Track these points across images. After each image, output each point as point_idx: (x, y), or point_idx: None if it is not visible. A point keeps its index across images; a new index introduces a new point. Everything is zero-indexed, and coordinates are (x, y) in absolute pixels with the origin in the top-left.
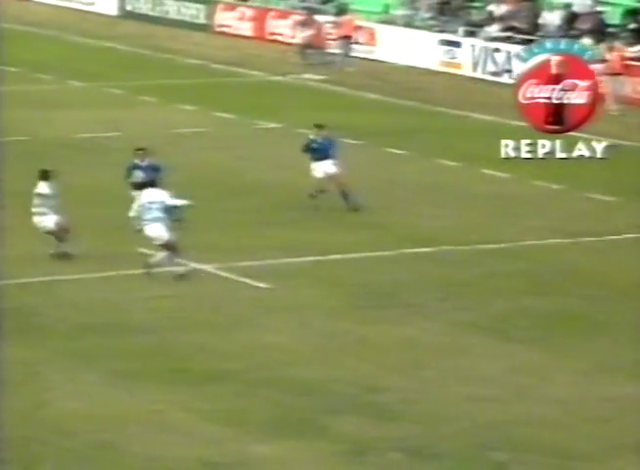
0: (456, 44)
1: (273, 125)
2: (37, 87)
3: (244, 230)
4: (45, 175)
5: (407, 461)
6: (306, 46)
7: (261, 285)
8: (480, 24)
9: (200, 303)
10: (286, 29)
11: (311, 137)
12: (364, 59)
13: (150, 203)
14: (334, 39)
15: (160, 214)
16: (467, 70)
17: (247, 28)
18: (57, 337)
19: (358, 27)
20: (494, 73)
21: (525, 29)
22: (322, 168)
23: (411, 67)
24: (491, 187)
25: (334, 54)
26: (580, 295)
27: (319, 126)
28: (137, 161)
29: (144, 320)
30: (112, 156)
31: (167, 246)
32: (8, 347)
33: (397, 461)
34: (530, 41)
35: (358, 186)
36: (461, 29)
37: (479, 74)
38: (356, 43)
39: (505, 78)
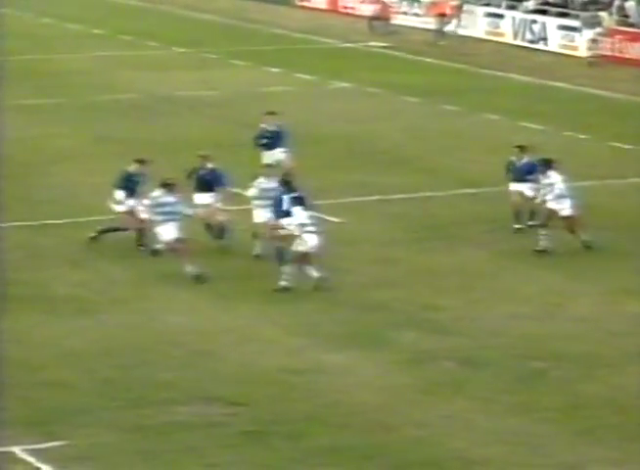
0: (499, 16)
1: (344, 85)
2: (146, 52)
3: (319, 173)
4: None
5: (458, 369)
6: (374, 18)
7: (334, 220)
8: None
9: None
10: (356, 3)
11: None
12: (422, 29)
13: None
14: (430, 16)
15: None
16: (509, 39)
17: (322, 2)
18: (162, 260)
19: (453, 6)
20: (531, 41)
21: (559, 3)
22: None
23: (462, 36)
24: (527, 137)
25: (397, 25)
26: (602, 227)
27: (271, 113)
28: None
29: (242, 245)
30: (209, 110)
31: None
32: (121, 269)
33: (450, 369)
34: (564, 14)
35: (417, 137)
36: (504, 3)
37: (518, 42)
38: (450, 21)
39: (541, 46)
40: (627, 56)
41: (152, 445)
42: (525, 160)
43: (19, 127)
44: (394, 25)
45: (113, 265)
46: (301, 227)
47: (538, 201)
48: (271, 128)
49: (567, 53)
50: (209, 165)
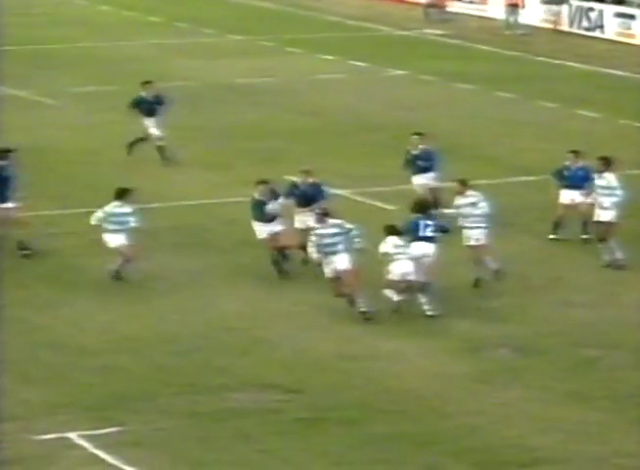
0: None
1: (399, 72)
2: (202, 40)
3: (372, 161)
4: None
5: (512, 357)
6: (429, 6)
7: (387, 207)
8: None
9: None
10: None
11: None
12: (477, 16)
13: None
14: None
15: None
16: (565, 26)
17: None
18: (219, 250)
19: None
20: (588, 29)
21: None
22: None
23: (525, 24)
24: (582, 125)
25: (452, 13)
26: None
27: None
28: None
29: None
30: (265, 97)
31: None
32: (179, 258)
33: (504, 357)
34: (620, 2)
35: (472, 124)
36: None
37: (575, 30)
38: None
39: (597, 33)
40: None
41: (206, 431)
42: (581, 164)
43: (77, 115)
44: (450, 13)
45: (168, 254)
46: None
47: (588, 202)
48: (418, 151)
49: (623, 41)
50: (310, 180)
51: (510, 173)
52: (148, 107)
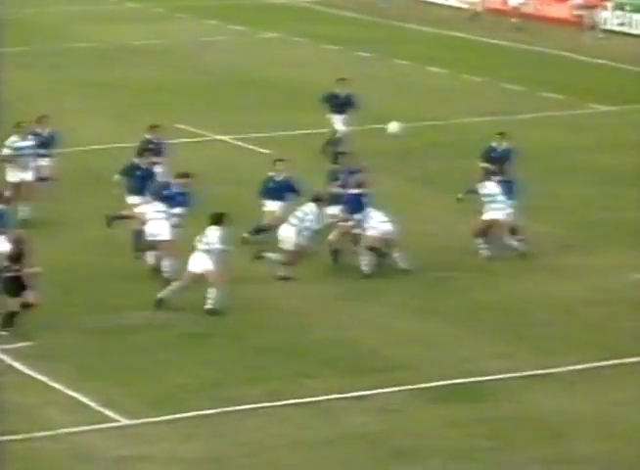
0: None
1: (273, 35)
2: (103, 7)
3: (251, 112)
4: None
5: (372, 279)
6: None
7: (265, 151)
8: None
9: (222, 166)
10: None
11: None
12: None
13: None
14: None
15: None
16: None
17: None
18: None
19: None
20: None
21: None
22: None
23: None
24: (431, 79)
25: None
26: None
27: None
28: None
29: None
30: (157, 57)
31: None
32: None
33: (364, 278)
34: None
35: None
36: None
37: None
38: None
39: (443, 0)
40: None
41: (106, 345)
42: (505, 146)
43: None
44: None
45: (73, 193)
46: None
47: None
48: (342, 94)
49: (464, 7)
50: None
51: (369, 121)
52: (338, 103)
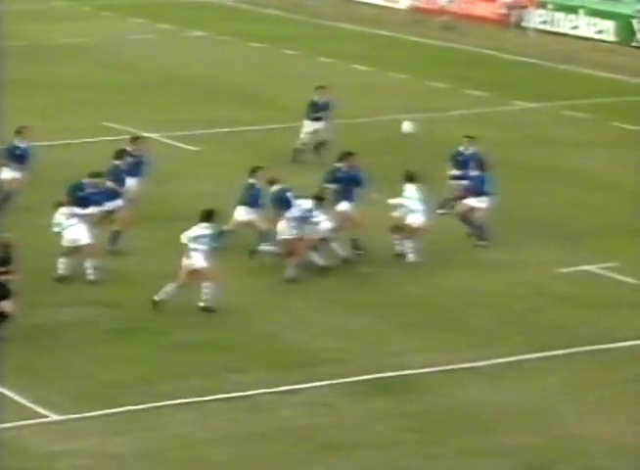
0: None
1: (200, 33)
2: (28, 6)
3: (178, 109)
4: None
5: (301, 275)
6: None
7: (192, 148)
8: None
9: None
10: None
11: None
12: None
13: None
14: None
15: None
16: None
17: None
18: (51, 184)
19: None
20: None
21: None
22: None
23: None
24: (358, 77)
25: None
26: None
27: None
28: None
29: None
30: (84, 55)
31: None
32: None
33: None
34: None
35: (262, 77)
36: None
37: None
38: None
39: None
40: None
41: (37, 342)
42: (472, 150)
43: None
44: None
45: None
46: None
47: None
48: (321, 101)
49: (389, 5)
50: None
51: (295, 119)
52: (316, 111)
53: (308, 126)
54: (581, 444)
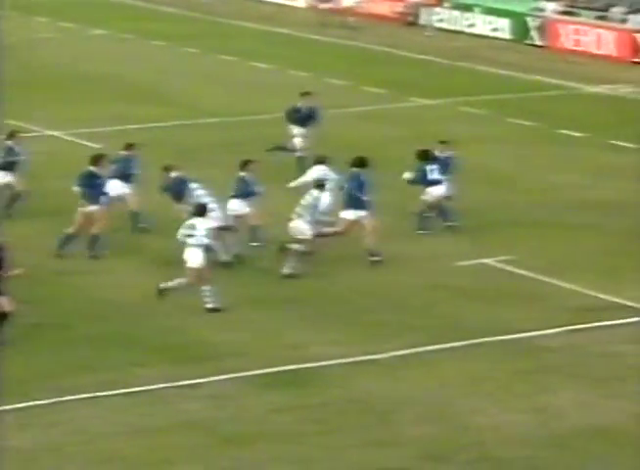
0: None
1: (102, 32)
2: None
3: (81, 106)
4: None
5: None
6: None
7: (95, 145)
8: None
9: (54, 161)
10: None
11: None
12: None
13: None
14: None
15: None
16: None
17: None
18: None
19: None
20: None
21: None
22: None
23: None
24: (257, 74)
25: None
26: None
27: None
28: None
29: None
30: None
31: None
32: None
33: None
34: None
35: (164, 75)
36: None
37: None
38: None
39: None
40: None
41: None
42: (448, 154)
43: None
44: None
45: None
46: None
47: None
48: (304, 107)
49: (287, 4)
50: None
51: (197, 116)
52: (300, 117)
53: (295, 132)
54: (478, 434)
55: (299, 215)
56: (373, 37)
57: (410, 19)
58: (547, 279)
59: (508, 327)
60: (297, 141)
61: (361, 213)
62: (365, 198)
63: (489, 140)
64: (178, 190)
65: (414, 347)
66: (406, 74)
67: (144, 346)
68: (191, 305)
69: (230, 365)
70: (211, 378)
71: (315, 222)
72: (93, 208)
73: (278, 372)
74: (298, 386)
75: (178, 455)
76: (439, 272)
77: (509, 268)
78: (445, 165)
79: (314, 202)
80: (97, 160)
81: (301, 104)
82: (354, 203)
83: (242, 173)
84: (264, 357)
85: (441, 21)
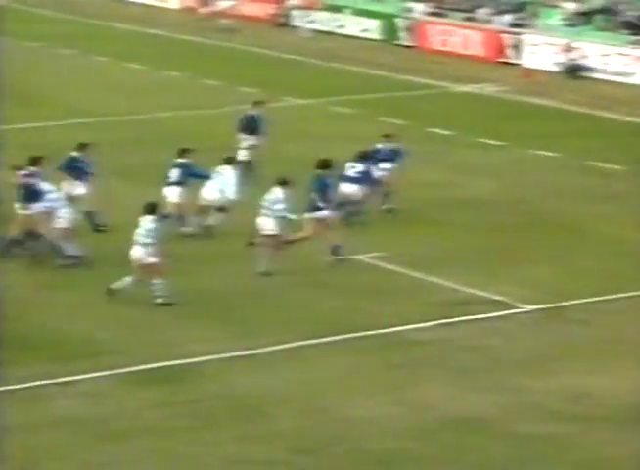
0: None
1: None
2: None
3: None
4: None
5: (74, 270)
6: None
7: None
8: None
9: None
10: None
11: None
12: None
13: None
14: None
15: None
16: None
17: None
18: None
19: None
20: None
21: None
22: None
23: None
24: (131, 75)
25: None
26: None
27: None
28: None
29: None
30: None
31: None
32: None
33: (65, 269)
34: None
35: (37, 74)
36: None
37: None
38: None
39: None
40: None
41: None
42: (392, 146)
43: None
44: None
45: None
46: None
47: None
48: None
49: (158, 5)
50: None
51: (70, 117)
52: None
53: (245, 141)
54: (350, 427)
55: (265, 213)
56: (247, 38)
57: (282, 20)
58: (418, 275)
59: (380, 322)
60: (245, 149)
61: (326, 214)
62: (329, 199)
63: (359, 138)
64: (30, 191)
65: (288, 342)
66: (278, 74)
67: (21, 344)
68: (66, 303)
69: (107, 362)
70: (88, 375)
71: (280, 219)
72: (30, 211)
73: (154, 369)
74: (173, 382)
75: (54, 452)
76: (312, 268)
77: (381, 264)
78: (392, 157)
79: (276, 199)
80: (35, 161)
81: (253, 112)
82: (318, 204)
83: (180, 160)
84: (141, 354)
85: (313, 22)
